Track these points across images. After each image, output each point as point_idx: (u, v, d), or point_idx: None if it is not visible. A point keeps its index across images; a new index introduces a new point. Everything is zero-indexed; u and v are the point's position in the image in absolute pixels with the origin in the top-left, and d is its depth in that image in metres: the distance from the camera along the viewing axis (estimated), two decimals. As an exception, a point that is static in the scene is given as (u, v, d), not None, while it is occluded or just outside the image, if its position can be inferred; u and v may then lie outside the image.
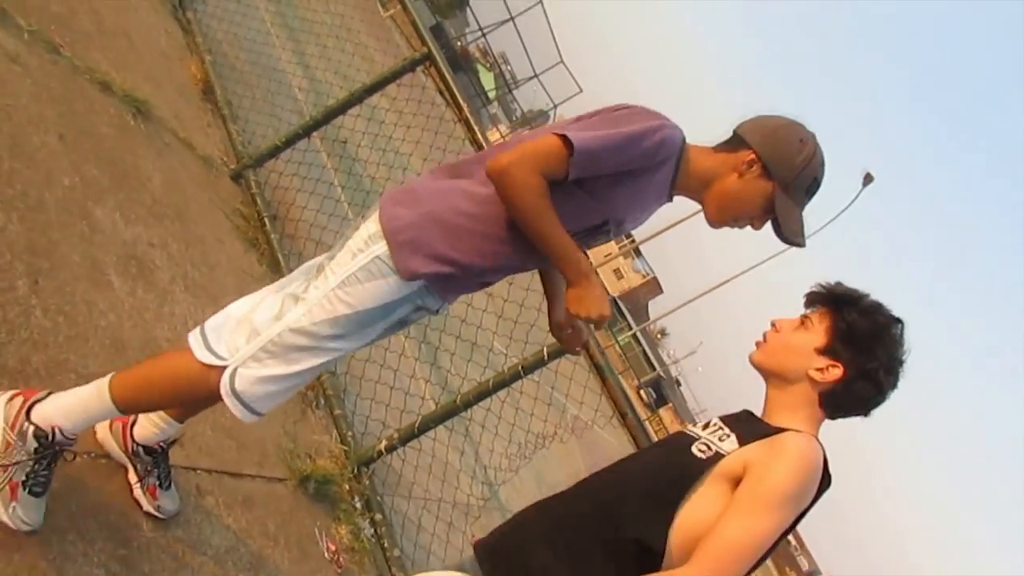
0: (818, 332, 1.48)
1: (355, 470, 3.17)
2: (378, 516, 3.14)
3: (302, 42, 5.81)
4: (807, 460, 1.32)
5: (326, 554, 2.77)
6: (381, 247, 1.59)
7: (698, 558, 1.25)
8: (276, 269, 3.59)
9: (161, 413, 1.87)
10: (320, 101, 4.06)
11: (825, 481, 1.37)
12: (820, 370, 1.45)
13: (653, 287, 48.62)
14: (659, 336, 55.65)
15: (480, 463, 4.45)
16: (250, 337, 1.62)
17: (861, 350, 1.44)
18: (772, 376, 1.51)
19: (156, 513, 1.97)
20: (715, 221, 1.71)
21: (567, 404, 3.83)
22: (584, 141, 1.52)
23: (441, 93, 3.52)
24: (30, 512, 1.59)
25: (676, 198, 1.75)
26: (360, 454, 3.21)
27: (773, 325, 1.55)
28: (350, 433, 3.29)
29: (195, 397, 1.72)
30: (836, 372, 1.44)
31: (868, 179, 21.51)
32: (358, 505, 3.11)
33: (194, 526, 2.15)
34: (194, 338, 1.66)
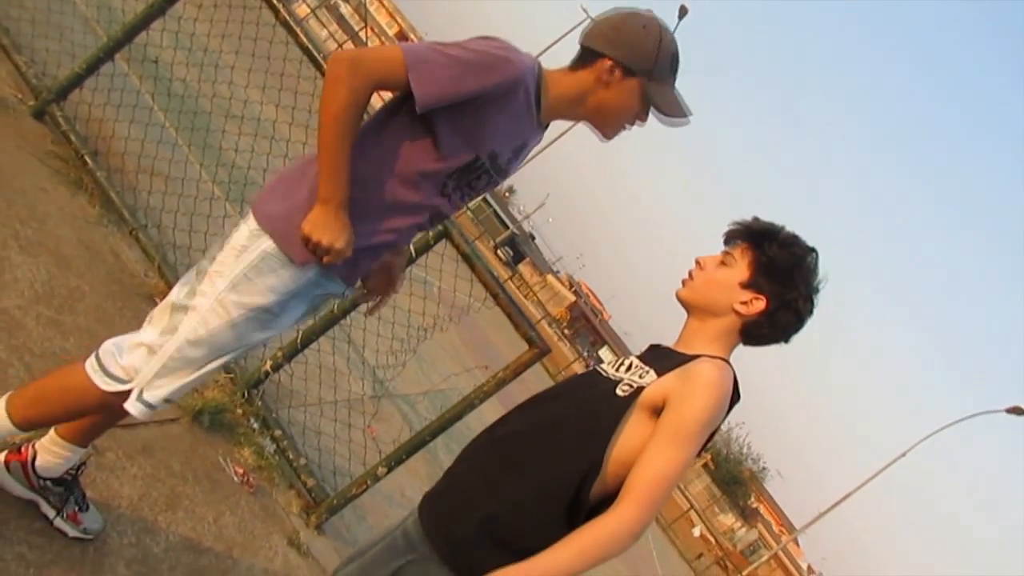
0: (740, 267, 1.55)
1: (245, 394, 3.23)
2: (277, 432, 3.24)
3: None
4: (719, 387, 1.42)
5: (235, 478, 2.87)
6: (266, 243, 1.57)
7: (631, 491, 1.37)
8: (111, 208, 3.39)
9: (62, 442, 1.84)
10: (114, 17, 3.69)
11: (735, 398, 1.48)
12: (745, 303, 1.52)
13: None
14: (507, 194, 56.51)
15: (367, 364, 4.58)
16: (147, 357, 1.61)
17: (782, 281, 1.52)
18: (698, 310, 1.58)
19: (84, 536, 1.94)
20: (609, 136, 1.73)
21: (439, 292, 3.98)
22: (417, 47, 1.52)
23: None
24: None
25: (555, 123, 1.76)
26: (247, 378, 3.26)
27: (698, 263, 1.60)
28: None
29: (88, 411, 1.73)
30: (760, 304, 1.52)
31: (683, 11, 21.86)
32: (255, 426, 3.19)
33: (101, 484, 2.17)
34: (91, 367, 1.64)
